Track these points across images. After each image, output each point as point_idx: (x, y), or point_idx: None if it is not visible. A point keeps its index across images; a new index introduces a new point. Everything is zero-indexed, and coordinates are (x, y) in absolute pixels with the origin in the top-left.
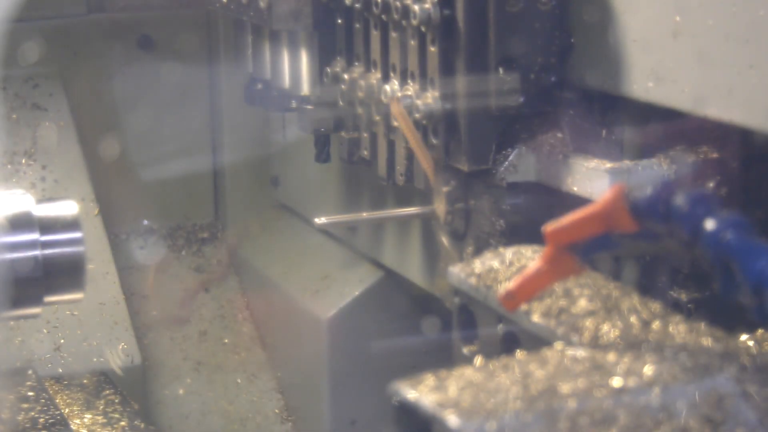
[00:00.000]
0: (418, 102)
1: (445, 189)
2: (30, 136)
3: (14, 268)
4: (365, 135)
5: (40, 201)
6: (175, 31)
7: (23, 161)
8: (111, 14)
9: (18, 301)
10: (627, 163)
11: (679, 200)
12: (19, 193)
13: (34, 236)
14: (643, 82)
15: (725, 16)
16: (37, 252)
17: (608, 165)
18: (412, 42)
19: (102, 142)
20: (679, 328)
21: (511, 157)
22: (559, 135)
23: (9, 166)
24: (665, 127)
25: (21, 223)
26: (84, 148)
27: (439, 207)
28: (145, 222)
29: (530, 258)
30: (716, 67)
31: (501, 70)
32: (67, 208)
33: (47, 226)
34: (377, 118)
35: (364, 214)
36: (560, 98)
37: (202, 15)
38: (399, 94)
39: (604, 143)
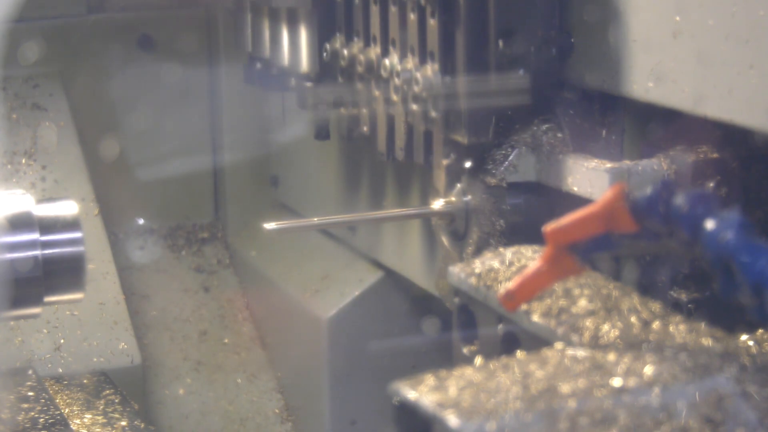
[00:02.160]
0: (418, 75)
1: (445, 162)
2: (30, 136)
3: (14, 268)
4: (364, 111)
5: (40, 201)
6: (175, 31)
7: (23, 161)
8: (111, 14)
9: (18, 301)
10: (627, 163)
11: (679, 200)
12: (19, 193)
13: (34, 236)
14: (643, 82)
15: (725, 16)
16: (37, 252)
17: (608, 165)
18: (412, 15)
19: (102, 142)
20: (679, 328)
21: (511, 157)
22: (559, 135)
23: (9, 166)
24: (666, 126)
25: (21, 223)
26: (84, 148)
27: (439, 181)
28: (141, 221)
29: (530, 258)
30: (716, 67)
31: (501, 43)
32: (67, 208)
33: (47, 226)
34: (377, 93)
35: (315, 219)
36: (561, 74)
37: (202, 15)
38: (398, 68)
39: (604, 143)
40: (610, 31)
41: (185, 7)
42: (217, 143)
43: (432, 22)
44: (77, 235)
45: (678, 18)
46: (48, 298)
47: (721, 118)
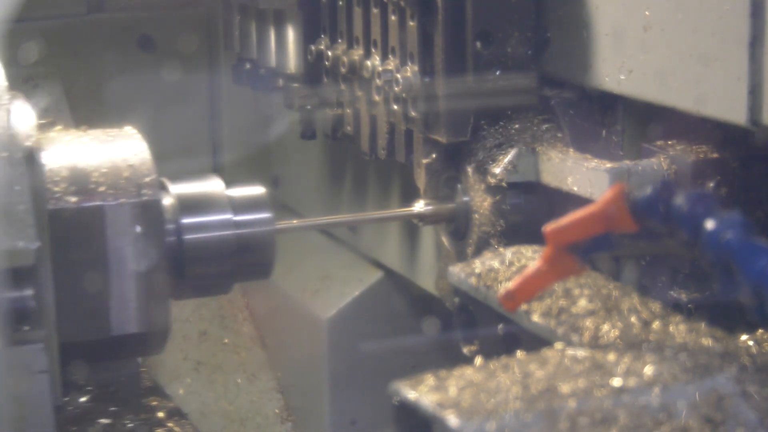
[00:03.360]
0: (398, 76)
1: (425, 161)
2: None
3: (208, 247)
4: (348, 111)
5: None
6: (175, 31)
7: None
8: (111, 14)
9: (211, 282)
10: (627, 163)
11: (679, 200)
12: (209, 177)
13: (228, 216)
14: (615, 75)
15: (692, 10)
16: (231, 231)
17: (608, 165)
18: (393, 17)
19: None
20: (679, 328)
21: (510, 157)
22: (559, 135)
23: None
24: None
25: (216, 203)
26: None
27: (420, 180)
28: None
29: (530, 258)
30: (685, 59)
31: (478, 44)
32: (255, 190)
33: (240, 207)
34: (359, 93)
35: (295, 222)
36: (540, 77)
37: (202, 15)
38: (379, 69)
39: (604, 143)
40: (584, 25)
41: (185, 7)
42: (217, 143)
43: (411, 24)
44: (268, 215)
45: (648, 12)
46: (238, 278)
47: (690, 110)
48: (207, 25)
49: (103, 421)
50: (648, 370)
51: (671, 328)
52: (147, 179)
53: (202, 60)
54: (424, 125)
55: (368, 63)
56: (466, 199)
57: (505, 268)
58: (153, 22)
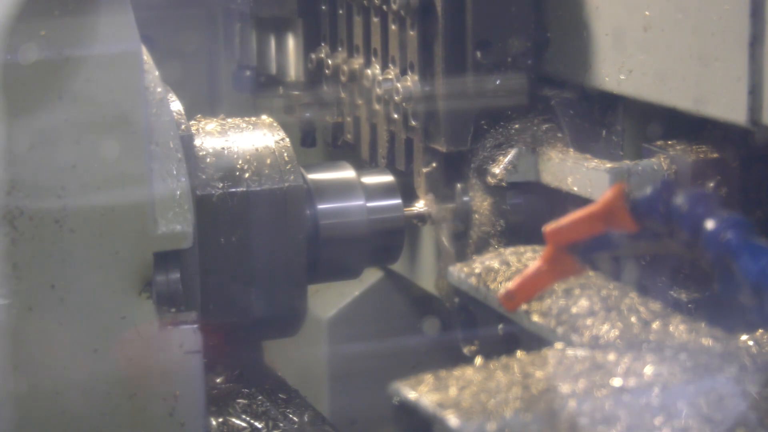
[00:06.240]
0: (398, 85)
1: (425, 170)
2: None
3: (343, 233)
4: (348, 119)
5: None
6: (175, 31)
7: None
8: None
9: (342, 266)
10: (627, 163)
11: (679, 200)
12: (340, 163)
13: (361, 202)
14: (615, 75)
15: (692, 10)
16: (364, 217)
17: (608, 165)
18: (393, 27)
19: None
20: (679, 328)
21: (510, 157)
22: (559, 135)
23: None
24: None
25: (349, 190)
26: None
27: (420, 188)
28: None
29: (530, 258)
30: (685, 59)
31: (478, 54)
32: (385, 177)
33: (371, 193)
34: (359, 102)
35: None
36: (542, 85)
37: (202, 15)
38: (380, 78)
39: (604, 143)
40: (584, 25)
41: (185, 7)
42: None
43: (412, 34)
44: (398, 201)
45: (648, 12)
46: (369, 263)
47: (690, 110)
48: (207, 25)
49: (241, 401)
50: (648, 370)
51: (671, 328)
52: (289, 166)
53: (203, 59)
54: (424, 134)
55: (368, 72)
56: (466, 199)
57: (505, 268)
58: (153, 22)
